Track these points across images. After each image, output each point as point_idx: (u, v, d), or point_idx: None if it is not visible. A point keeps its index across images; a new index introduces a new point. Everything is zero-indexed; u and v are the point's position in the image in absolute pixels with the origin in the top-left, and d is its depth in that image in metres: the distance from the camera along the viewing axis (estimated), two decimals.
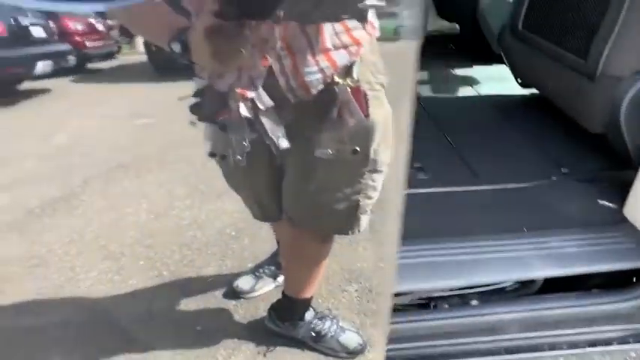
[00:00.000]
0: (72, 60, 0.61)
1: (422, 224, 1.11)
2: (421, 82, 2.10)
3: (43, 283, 0.98)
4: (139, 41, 0.54)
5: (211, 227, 1.01)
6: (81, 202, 0.88)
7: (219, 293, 1.18)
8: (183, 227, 0.92)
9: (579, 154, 1.41)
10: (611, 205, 1.21)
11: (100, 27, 0.58)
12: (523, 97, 1.84)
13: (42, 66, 0.59)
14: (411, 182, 1.28)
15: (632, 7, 1.14)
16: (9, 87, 0.55)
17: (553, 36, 1.43)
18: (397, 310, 1.03)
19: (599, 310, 1.05)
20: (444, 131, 1.57)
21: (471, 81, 2.11)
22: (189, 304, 1.07)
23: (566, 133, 1.50)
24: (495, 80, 2.11)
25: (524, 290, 1.08)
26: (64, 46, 0.62)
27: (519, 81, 1.81)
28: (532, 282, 1.08)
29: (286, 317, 1.04)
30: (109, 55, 0.64)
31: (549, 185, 1.28)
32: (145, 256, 0.94)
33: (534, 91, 1.78)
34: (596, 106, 1.24)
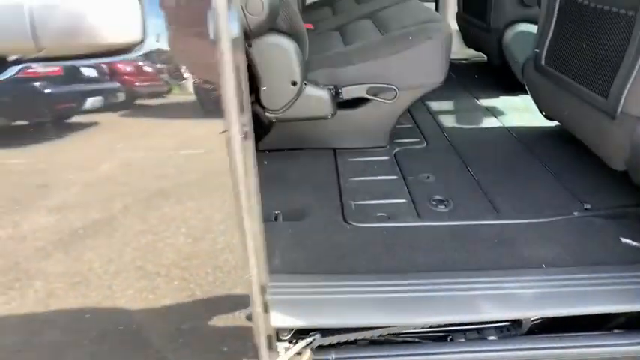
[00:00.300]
0: (121, 97, 0.65)
1: (439, 258, 1.14)
2: (446, 112, 2.13)
3: (84, 300, 1.04)
4: (189, 82, 0.59)
5: (245, 250, 1.05)
6: (121, 225, 0.94)
7: (245, 313, 1.23)
8: (217, 250, 0.97)
9: (603, 190, 1.41)
10: (634, 243, 1.21)
11: (149, 69, 0.63)
12: (547, 129, 1.85)
13: (91, 101, 0.64)
14: (431, 215, 1.32)
15: None
16: (59, 121, 0.61)
17: (575, 73, 1.45)
18: (414, 341, 1.06)
19: (620, 351, 1.05)
20: (467, 163, 1.61)
21: (495, 112, 2.13)
22: (218, 323, 1.11)
23: (590, 167, 1.50)
24: (521, 111, 2.12)
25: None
26: (115, 84, 0.67)
27: (544, 113, 1.83)
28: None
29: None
30: (159, 94, 0.69)
31: (570, 221, 1.29)
32: (179, 276, 0.99)
33: (558, 123, 1.79)
34: (617, 143, 1.25)
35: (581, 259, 1.16)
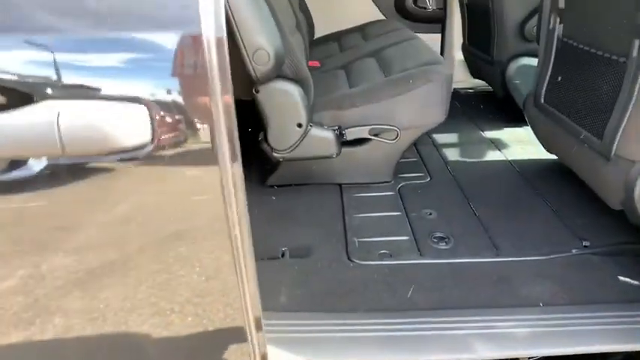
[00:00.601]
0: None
1: (439, 295, 1.18)
2: (450, 145, 2.17)
3: (100, 335, 1.09)
4: (205, 132, 0.64)
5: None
6: (136, 264, 0.99)
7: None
8: (228, 288, 1.01)
9: (601, 227, 1.44)
10: (633, 281, 1.23)
11: (169, 120, 0.67)
12: (549, 162, 1.88)
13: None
14: (432, 252, 1.36)
15: None
16: (76, 167, 0.66)
17: (572, 113, 1.50)
18: None
19: None
20: (469, 198, 1.65)
21: (499, 144, 2.16)
22: (230, 359, 1.14)
23: (589, 203, 1.53)
24: (524, 143, 2.15)
25: None
26: None
27: (545, 146, 1.87)
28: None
29: None
30: (176, 145, 0.73)
31: (569, 259, 1.31)
32: (193, 312, 1.03)
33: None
34: (612, 184, 1.28)
35: (579, 297, 1.18)
